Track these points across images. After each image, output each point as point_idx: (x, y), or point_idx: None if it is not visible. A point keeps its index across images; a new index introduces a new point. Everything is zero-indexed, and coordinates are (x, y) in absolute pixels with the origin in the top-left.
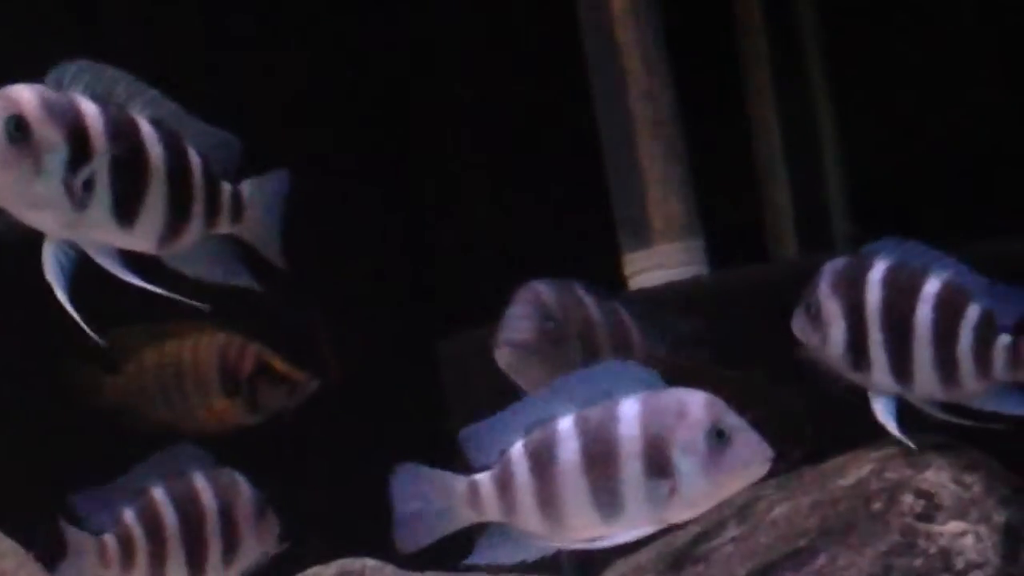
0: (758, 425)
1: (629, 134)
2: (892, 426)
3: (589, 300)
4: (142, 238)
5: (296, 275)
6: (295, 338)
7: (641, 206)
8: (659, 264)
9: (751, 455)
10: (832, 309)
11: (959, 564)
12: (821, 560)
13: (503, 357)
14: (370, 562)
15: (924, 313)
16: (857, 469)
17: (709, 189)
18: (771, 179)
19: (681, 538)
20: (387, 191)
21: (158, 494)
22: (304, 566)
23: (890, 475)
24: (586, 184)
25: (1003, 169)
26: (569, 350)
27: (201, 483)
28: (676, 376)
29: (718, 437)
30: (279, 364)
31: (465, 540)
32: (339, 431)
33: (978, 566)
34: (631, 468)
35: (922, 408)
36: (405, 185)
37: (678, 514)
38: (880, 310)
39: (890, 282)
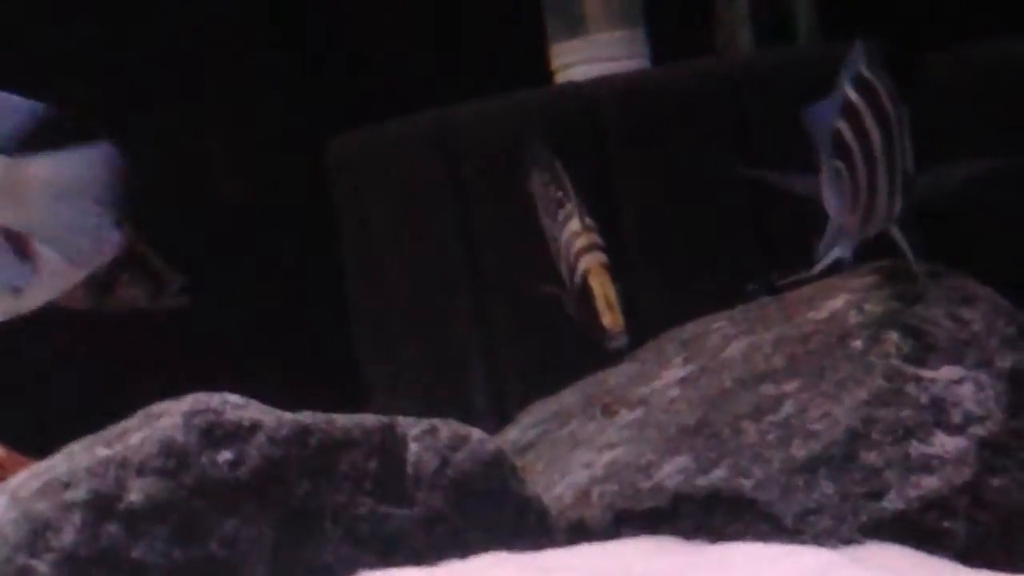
0: None
1: None
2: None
3: None
4: None
5: None
6: None
7: None
8: (592, 56)
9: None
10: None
11: (956, 416)
12: (787, 408)
13: None
14: (231, 397)
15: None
16: (831, 300)
17: None
18: None
19: (613, 377)
20: None
21: None
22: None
23: (872, 307)
24: None
25: None
26: None
27: None
28: None
29: None
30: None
31: None
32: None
33: (979, 420)
34: None
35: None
36: None
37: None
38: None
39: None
